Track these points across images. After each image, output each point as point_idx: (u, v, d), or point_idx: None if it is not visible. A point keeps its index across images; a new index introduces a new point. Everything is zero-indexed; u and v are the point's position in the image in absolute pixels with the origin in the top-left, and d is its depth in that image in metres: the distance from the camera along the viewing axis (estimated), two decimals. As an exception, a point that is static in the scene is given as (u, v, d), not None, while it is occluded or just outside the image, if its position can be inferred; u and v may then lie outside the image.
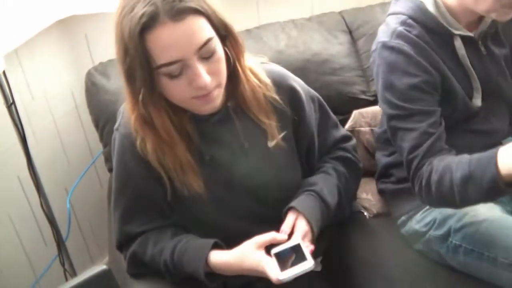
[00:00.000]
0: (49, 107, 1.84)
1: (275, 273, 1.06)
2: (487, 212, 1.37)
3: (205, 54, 1.04)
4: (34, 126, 1.80)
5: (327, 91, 1.75)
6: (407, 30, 1.35)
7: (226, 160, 1.22)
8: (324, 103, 1.39)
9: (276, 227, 1.26)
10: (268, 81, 1.22)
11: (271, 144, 1.24)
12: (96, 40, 1.87)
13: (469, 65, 1.38)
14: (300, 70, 1.72)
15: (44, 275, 1.95)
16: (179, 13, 0.99)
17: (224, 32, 1.08)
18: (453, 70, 1.37)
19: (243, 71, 1.16)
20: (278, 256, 1.10)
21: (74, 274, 1.90)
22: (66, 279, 1.92)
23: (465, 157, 1.25)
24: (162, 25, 0.98)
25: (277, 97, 1.23)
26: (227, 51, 1.10)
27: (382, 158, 1.59)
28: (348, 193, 1.38)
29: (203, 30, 1.02)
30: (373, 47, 1.42)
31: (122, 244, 1.27)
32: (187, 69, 1.03)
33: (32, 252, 1.91)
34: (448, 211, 1.42)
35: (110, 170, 1.74)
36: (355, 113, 1.73)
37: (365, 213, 1.66)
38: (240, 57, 1.14)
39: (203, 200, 1.21)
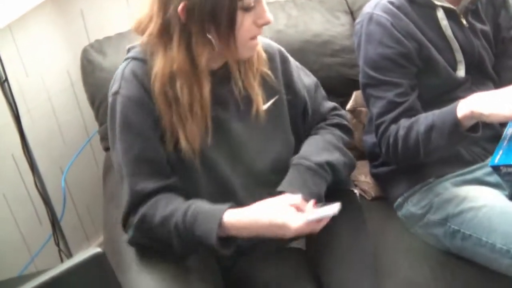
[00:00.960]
0: (44, 85, 1.82)
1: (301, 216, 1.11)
2: (486, 197, 1.38)
3: None
4: (29, 104, 1.77)
5: (327, 72, 1.73)
6: (390, 2, 1.43)
7: (225, 120, 1.25)
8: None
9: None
10: (264, 55, 1.28)
11: (265, 106, 1.29)
12: (92, 16, 1.85)
13: (452, 35, 1.44)
14: (300, 51, 1.70)
15: (38, 254, 1.95)
16: None
17: None
18: (436, 41, 1.44)
19: None
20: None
21: (69, 253, 1.90)
22: (61, 259, 1.91)
23: (429, 113, 1.36)
24: None
25: (269, 72, 1.29)
26: None
27: (369, 139, 1.61)
28: (347, 156, 1.40)
29: None
30: (358, 19, 1.50)
31: (131, 211, 1.23)
32: (258, 4, 1.14)
33: (27, 232, 1.90)
34: (445, 195, 1.42)
35: (106, 149, 1.73)
36: (356, 93, 1.72)
37: (365, 196, 1.66)
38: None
39: (200, 165, 1.23)
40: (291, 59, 1.38)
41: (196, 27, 1.13)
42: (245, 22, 1.14)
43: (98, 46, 1.72)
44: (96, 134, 1.86)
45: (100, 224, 1.66)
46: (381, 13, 1.42)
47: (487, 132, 1.38)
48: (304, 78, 1.40)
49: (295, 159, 1.31)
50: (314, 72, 1.47)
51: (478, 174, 1.46)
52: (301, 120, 1.39)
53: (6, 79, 1.51)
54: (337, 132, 1.41)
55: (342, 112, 1.49)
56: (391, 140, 1.40)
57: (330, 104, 1.47)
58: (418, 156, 1.37)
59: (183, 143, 1.19)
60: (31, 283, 0.82)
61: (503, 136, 1.31)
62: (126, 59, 1.25)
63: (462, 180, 1.46)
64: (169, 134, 1.20)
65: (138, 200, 1.22)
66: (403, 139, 1.37)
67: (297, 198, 1.15)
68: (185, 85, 1.17)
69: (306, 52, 1.73)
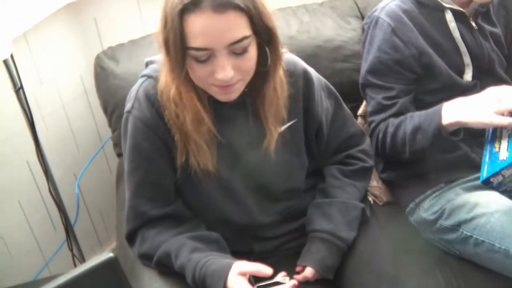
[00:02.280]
0: (58, 92, 1.83)
1: None
2: (498, 202, 1.37)
3: (236, 50, 1.04)
4: (43, 111, 1.79)
5: (340, 78, 1.73)
6: (397, 5, 1.44)
7: (237, 144, 1.23)
8: (338, 94, 1.39)
9: (279, 217, 1.31)
10: (285, 87, 1.21)
11: (280, 129, 1.24)
12: (105, 24, 1.86)
13: (460, 38, 1.45)
14: (312, 57, 1.70)
15: (52, 259, 1.96)
16: (222, 6, 0.98)
17: (267, 36, 1.08)
18: (443, 44, 1.44)
19: (274, 79, 1.15)
20: None
21: (82, 258, 1.91)
22: (74, 263, 1.92)
23: (416, 112, 1.43)
24: (201, 12, 0.99)
25: (291, 90, 1.23)
26: (268, 53, 1.10)
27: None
28: (366, 202, 1.41)
29: (240, 27, 1.02)
30: (366, 19, 1.53)
31: (133, 231, 1.27)
32: (214, 58, 1.04)
33: (41, 237, 1.91)
34: (457, 201, 1.42)
35: (119, 155, 1.74)
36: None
37: (376, 201, 1.66)
38: (276, 64, 1.14)
39: (211, 182, 1.22)
40: (315, 79, 1.30)
41: (167, 58, 1.09)
42: (198, 71, 1.06)
43: (111, 53, 1.74)
44: (109, 141, 1.87)
45: (113, 230, 1.66)
46: (386, 17, 1.44)
47: None
48: (324, 101, 1.34)
49: (325, 233, 1.29)
50: (327, 77, 1.45)
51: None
52: (315, 140, 1.36)
53: (21, 87, 1.53)
54: (360, 184, 1.38)
55: (365, 144, 1.43)
56: (380, 135, 1.46)
57: (352, 129, 1.41)
58: (404, 153, 1.43)
59: (193, 162, 1.19)
60: (45, 287, 0.83)
61: (484, 148, 1.34)
62: (142, 75, 1.24)
63: (473, 185, 1.45)
64: (180, 151, 1.19)
65: (140, 221, 1.25)
66: (392, 136, 1.43)
67: (253, 267, 1.12)
68: (183, 109, 1.14)
69: (318, 57, 1.73)
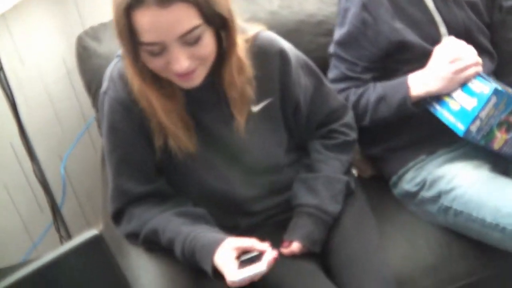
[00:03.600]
0: (40, 74, 1.82)
1: (230, 274, 1.08)
2: (476, 174, 1.39)
3: (189, 40, 1.03)
4: (26, 93, 1.78)
5: (323, 52, 1.71)
6: None
7: (212, 125, 1.23)
8: (318, 71, 1.39)
9: (263, 192, 1.32)
10: (247, 66, 1.19)
11: (256, 108, 1.25)
12: (86, 3, 1.84)
13: (434, 8, 1.45)
14: (295, 32, 1.69)
15: (41, 241, 1.96)
16: (166, 0, 0.97)
17: (219, 23, 1.07)
18: (418, 16, 1.45)
19: (230, 62, 1.15)
20: (243, 262, 1.11)
21: (70, 239, 1.91)
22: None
23: (378, 83, 1.46)
24: (146, 7, 0.98)
25: (264, 70, 1.23)
26: (222, 39, 1.10)
27: None
28: (350, 175, 1.43)
29: (188, 18, 1.01)
30: None
31: (118, 210, 1.27)
32: (167, 51, 1.04)
33: (28, 219, 1.92)
34: (437, 172, 1.44)
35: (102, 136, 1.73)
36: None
37: (361, 174, 1.67)
38: (231, 50, 1.13)
39: (194, 161, 1.23)
40: (293, 58, 1.29)
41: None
42: (154, 64, 1.07)
43: (93, 33, 1.72)
44: (94, 121, 1.86)
45: (101, 210, 1.67)
46: None
47: None
48: (303, 79, 1.34)
49: (311, 208, 1.30)
50: (310, 52, 1.47)
51: (468, 148, 1.48)
52: (293, 118, 1.36)
53: (2, 69, 1.52)
54: (344, 157, 1.40)
55: (348, 117, 1.43)
56: None
57: (334, 104, 1.41)
58: (363, 121, 1.47)
59: (171, 144, 1.19)
60: (30, 266, 0.84)
61: (438, 116, 1.38)
62: (117, 55, 1.23)
63: (453, 155, 1.47)
64: (157, 135, 1.19)
65: (124, 199, 1.26)
66: (352, 104, 1.46)
67: (247, 242, 1.14)
68: (150, 100, 1.14)
69: (301, 32, 1.72)
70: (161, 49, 1.03)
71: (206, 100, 1.21)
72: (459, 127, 1.31)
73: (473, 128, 1.29)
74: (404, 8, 1.45)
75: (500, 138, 1.33)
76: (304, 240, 1.27)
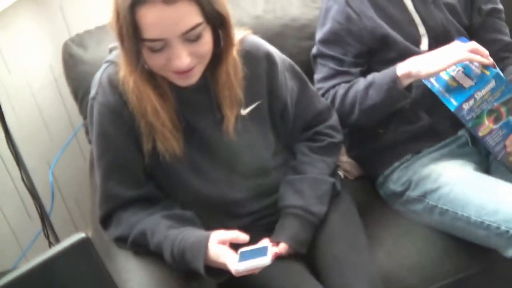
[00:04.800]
0: (27, 81, 1.82)
1: (233, 264, 1.09)
2: (461, 172, 1.41)
3: (190, 37, 1.06)
4: (13, 101, 1.78)
5: (306, 56, 1.73)
6: None
7: (202, 128, 1.24)
8: (302, 74, 1.41)
9: (251, 194, 1.33)
10: (239, 68, 1.22)
11: (245, 112, 1.27)
12: (71, 10, 1.84)
13: (413, 9, 1.48)
14: (279, 36, 1.71)
15: (30, 249, 1.96)
16: None
17: (219, 22, 1.10)
18: (398, 15, 1.48)
19: (226, 61, 1.17)
20: (243, 253, 1.12)
21: (60, 246, 1.91)
22: (52, 252, 1.92)
23: (369, 74, 1.45)
24: (152, 4, 1.00)
25: (252, 72, 1.24)
26: (221, 37, 1.13)
27: None
28: (336, 176, 1.44)
29: (191, 15, 1.03)
30: None
31: (107, 215, 1.28)
32: (169, 47, 1.06)
33: (16, 226, 1.92)
34: (423, 172, 1.45)
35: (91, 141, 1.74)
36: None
37: (347, 176, 1.69)
38: (228, 47, 1.16)
39: (181, 164, 1.24)
40: (279, 61, 1.32)
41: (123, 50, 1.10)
42: (154, 60, 1.09)
43: (79, 40, 1.72)
44: (82, 128, 1.87)
45: (90, 216, 1.67)
46: None
47: None
48: (289, 82, 1.36)
49: (297, 209, 1.31)
50: (294, 55, 1.48)
51: (453, 147, 1.50)
52: (281, 120, 1.38)
53: (-12, 76, 1.52)
54: (330, 159, 1.41)
55: (332, 119, 1.44)
56: (329, 99, 1.48)
57: (319, 106, 1.42)
58: (352, 114, 1.45)
59: (160, 147, 1.20)
60: (18, 270, 0.84)
61: (436, 92, 1.37)
62: (106, 61, 1.25)
63: (438, 155, 1.49)
64: (146, 138, 1.20)
65: (113, 204, 1.26)
66: (341, 97, 1.46)
67: (230, 234, 1.15)
68: (143, 99, 1.15)
69: (284, 36, 1.74)
70: (162, 45, 1.05)
71: (197, 103, 1.23)
72: (452, 102, 1.32)
73: (466, 106, 1.31)
74: (385, 8, 1.48)
75: (486, 126, 1.35)
76: (290, 241, 1.28)
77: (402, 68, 1.36)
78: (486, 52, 1.32)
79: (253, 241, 1.17)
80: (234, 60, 1.19)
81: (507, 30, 1.62)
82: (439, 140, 1.48)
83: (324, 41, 1.52)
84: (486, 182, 1.37)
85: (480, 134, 1.37)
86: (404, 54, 1.43)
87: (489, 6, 1.58)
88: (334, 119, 1.45)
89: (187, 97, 1.21)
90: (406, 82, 1.36)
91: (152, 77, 1.14)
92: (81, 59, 1.67)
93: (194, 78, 1.14)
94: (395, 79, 1.35)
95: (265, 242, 1.16)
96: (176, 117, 1.20)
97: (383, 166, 1.54)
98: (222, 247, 1.12)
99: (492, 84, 1.28)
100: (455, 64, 1.30)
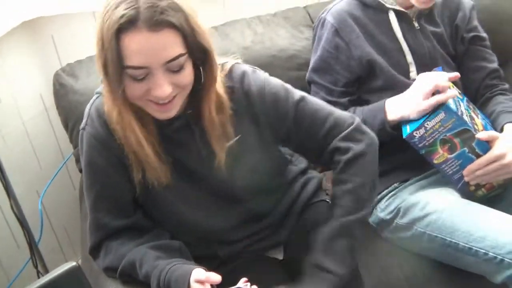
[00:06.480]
0: (18, 110, 1.83)
1: None
2: (448, 199, 1.43)
3: (172, 67, 1.06)
4: (3, 130, 1.79)
5: (294, 85, 1.74)
6: (342, 7, 1.54)
7: (189, 162, 1.25)
8: (295, 94, 1.28)
9: (241, 220, 1.33)
10: (229, 112, 1.20)
11: (231, 143, 1.23)
12: (63, 41, 1.86)
13: (402, 38, 1.53)
14: (267, 66, 1.72)
15: (18, 278, 1.94)
16: (157, 24, 1.00)
17: (201, 55, 1.10)
18: (387, 43, 1.52)
19: (209, 98, 1.16)
20: None
21: (48, 276, 1.90)
22: (41, 281, 1.91)
23: (358, 107, 1.50)
24: (138, 31, 1.01)
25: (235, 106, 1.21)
26: (202, 72, 1.12)
27: None
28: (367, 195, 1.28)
29: (175, 45, 1.04)
30: (315, 22, 1.63)
31: (97, 245, 1.28)
32: (151, 76, 1.05)
33: (4, 255, 1.90)
34: (411, 200, 1.47)
35: (81, 170, 1.74)
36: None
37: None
38: (211, 85, 1.15)
39: (170, 192, 1.24)
40: (267, 90, 1.24)
41: (107, 82, 1.09)
42: (135, 90, 1.07)
43: (70, 69, 1.74)
44: (72, 157, 1.87)
45: (79, 245, 1.67)
46: (330, 18, 1.54)
47: None
48: (282, 108, 1.25)
49: (313, 268, 1.23)
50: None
51: (439, 175, 1.51)
52: (289, 145, 1.36)
53: (-21, 105, 1.53)
54: (355, 179, 1.25)
55: (349, 128, 1.26)
56: None
57: (331, 119, 1.27)
58: None
59: (149, 176, 1.20)
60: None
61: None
62: (96, 92, 1.26)
63: (426, 183, 1.51)
64: (135, 169, 1.20)
65: (102, 233, 1.27)
66: None
67: (202, 275, 1.13)
68: (126, 130, 1.14)
69: (273, 66, 1.76)
70: (145, 74, 1.05)
71: (181, 141, 1.23)
72: (407, 129, 1.38)
73: (416, 134, 1.36)
74: (375, 36, 1.52)
75: (441, 154, 1.38)
76: None
77: (392, 112, 1.42)
78: (446, 84, 1.37)
79: (243, 267, 1.17)
80: (217, 96, 1.18)
81: (492, 57, 1.67)
82: (427, 168, 1.51)
83: (315, 69, 1.58)
84: (473, 208, 1.39)
85: (435, 161, 1.40)
86: (391, 83, 1.46)
87: (471, 34, 1.63)
88: (349, 125, 1.27)
89: (170, 135, 1.21)
90: (394, 123, 1.43)
91: (134, 108, 1.13)
92: (72, 88, 1.69)
93: (173, 110, 1.13)
94: (385, 122, 1.42)
95: (240, 282, 1.16)
96: (161, 151, 1.20)
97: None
98: (201, 286, 1.12)
99: (442, 115, 1.33)
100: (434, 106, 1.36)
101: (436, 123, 1.33)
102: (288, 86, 1.29)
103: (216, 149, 1.21)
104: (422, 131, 1.35)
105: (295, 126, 1.26)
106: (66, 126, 1.73)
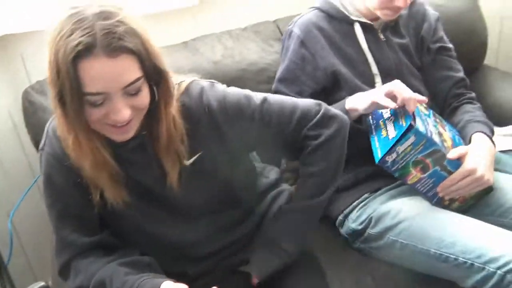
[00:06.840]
0: (-14, 128, 1.81)
1: None
2: (419, 207, 1.44)
3: (130, 91, 1.05)
4: (-30, 148, 1.76)
5: (265, 99, 1.78)
6: (308, 18, 1.57)
7: (144, 181, 1.24)
8: (253, 100, 1.28)
9: (209, 232, 1.32)
10: (182, 131, 1.19)
11: (188, 162, 1.22)
12: (32, 58, 1.85)
13: (367, 49, 1.56)
14: (237, 80, 1.75)
15: (-13, 301, 1.90)
16: (115, 50, 1.00)
17: (157, 77, 1.10)
18: (352, 55, 1.55)
19: (165, 119, 1.15)
20: None
21: (18, 297, 1.87)
22: (10, 303, 1.88)
23: None
24: (95, 57, 0.99)
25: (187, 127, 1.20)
26: (156, 93, 1.11)
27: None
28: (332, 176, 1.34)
29: (133, 70, 1.04)
30: (284, 34, 1.65)
31: (65, 264, 1.26)
32: (109, 101, 1.04)
33: (-27, 278, 1.86)
34: (382, 209, 1.48)
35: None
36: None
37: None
38: (167, 106, 1.14)
39: (131, 211, 1.24)
40: (222, 108, 1.23)
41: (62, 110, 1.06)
42: (94, 115, 1.05)
43: (39, 87, 1.73)
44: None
45: (50, 265, 1.64)
46: (297, 30, 1.57)
47: None
48: (244, 124, 1.26)
49: (267, 240, 1.32)
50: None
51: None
52: (263, 148, 1.39)
53: None
54: (320, 164, 1.31)
55: (317, 115, 1.30)
56: None
57: (297, 112, 1.29)
58: None
59: (107, 196, 1.19)
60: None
61: (371, 139, 1.44)
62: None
63: (396, 192, 1.53)
64: (93, 188, 1.19)
65: (70, 252, 1.25)
66: None
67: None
68: (81, 157, 1.13)
69: (243, 80, 1.78)
70: (103, 99, 1.04)
71: (136, 161, 1.22)
72: (378, 154, 1.38)
73: (389, 159, 1.36)
74: (340, 47, 1.55)
75: (414, 175, 1.39)
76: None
77: (349, 103, 1.43)
78: (408, 95, 1.35)
79: (217, 283, 1.16)
80: (173, 117, 1.17)
81: (458, 67, 1.70)
82: (397, 178, 1.52)
83: (281, 80, 1.59)
84: (444, 215, 1.40)
85: (409, 182, 1.41)
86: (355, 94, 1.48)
87: (437, 45, 1.66)
88: (317, 112, 1.30)
89: (125, 156, 1.20)
90: (354, 115, 1.43)
91: (88, 132, 1.10)
92: (41, 106, 1.67)
93: (130, 132, 1.12)
94: (344, 112, 1.40)
95: None
96: (116, 171, 1.18)
97: (342, 206, 1.56)
98: None
99: (412, 139, 1.33)
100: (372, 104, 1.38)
101: (407, 146, 1.34)
102: (248, 91, 1.30)
103: (168, 168, 1.20)
104: (394, 155, 1.35)
105: (264, 127, 1.27)
106: (36, 143, 1.70)
